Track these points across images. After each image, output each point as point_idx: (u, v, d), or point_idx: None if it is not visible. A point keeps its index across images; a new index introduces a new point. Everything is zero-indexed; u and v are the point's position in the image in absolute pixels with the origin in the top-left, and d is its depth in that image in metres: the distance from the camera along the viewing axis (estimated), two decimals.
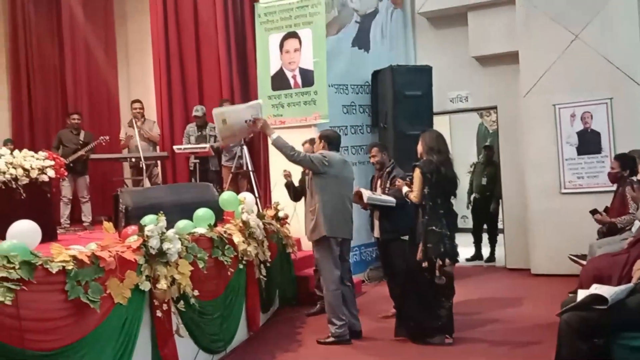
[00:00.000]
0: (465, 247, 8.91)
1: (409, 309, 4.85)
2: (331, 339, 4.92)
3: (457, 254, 4.76)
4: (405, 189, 4.82)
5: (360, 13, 7.66)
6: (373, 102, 7.63)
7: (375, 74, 7.56)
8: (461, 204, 10.83)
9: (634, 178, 5.36)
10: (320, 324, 5.35)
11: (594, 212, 5.84)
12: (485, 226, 8.80)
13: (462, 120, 11.02)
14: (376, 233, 5.53)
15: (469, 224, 9.37)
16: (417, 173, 4.66)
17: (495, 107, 8.19)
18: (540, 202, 7.25)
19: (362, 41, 7.68)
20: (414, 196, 4.67)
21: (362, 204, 5.37)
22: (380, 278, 6.69)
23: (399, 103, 7.19)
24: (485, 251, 8.73)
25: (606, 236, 5.67)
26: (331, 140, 5.12)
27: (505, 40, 7.60)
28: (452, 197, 4.86)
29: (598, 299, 3.20)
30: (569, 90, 7.13)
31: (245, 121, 5.24)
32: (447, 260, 4.61)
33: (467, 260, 8.62)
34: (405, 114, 7.16)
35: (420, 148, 4.81)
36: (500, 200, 8.34)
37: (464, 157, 10.89)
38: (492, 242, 8.70)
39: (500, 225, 8.70)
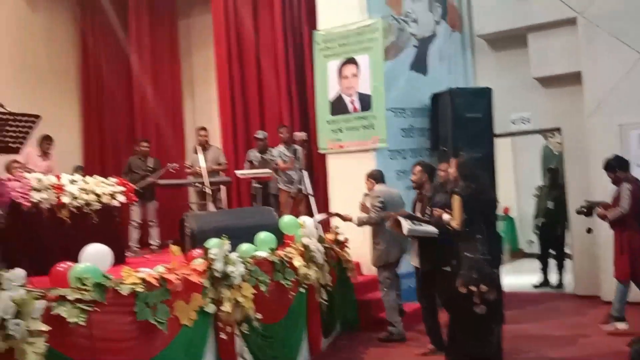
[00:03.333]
0: (532, 274, 8.69)
1: (457, 340, 4.71)
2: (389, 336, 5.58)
3: (496, 280, 4.60)
4: (446, 216, 4.73)
5: (418, 37, 7.68)
6: (432, 125, 7.58)
7: (435, 97, 7.53)
8: (527, 228, 10.63)
9: None
10: (383, 350, 5.30)
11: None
12: (552, 251, 8.52)
13: (526, 142, 10.80)
14: (415, 262, 5.42)
15: (535, 248, 9.10)
16: (456, 199, 4.58)
17: (559, 129, 7.99)
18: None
19: (420, 65, 7.69)
20: (455, 223, 4.59)
21: (398, 232, 5.25)
22: None
23: (459, 126, 7.12)
24: (553, 277, 8.45)
25: None
26: (376, 177, 5.97)
27: (567, 60, 7.44)
28: (493, 220, 4.74)
29: None
30: (636, 110, 6.88)
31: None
32: (483, 287, 4.46)
33: (535, 286, 8.36)
34: (466, 137, 7.06)
35: (453, 173, 4.73)
36: (567, 224, 8.07)
37: (529, 180, 10.64)
38: (560, 268, 8.41)
39: (568, 250, 8.41)
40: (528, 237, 11.04)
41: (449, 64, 8.03)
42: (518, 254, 11.43)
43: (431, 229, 5.08)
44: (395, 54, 7.39)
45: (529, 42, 7.73)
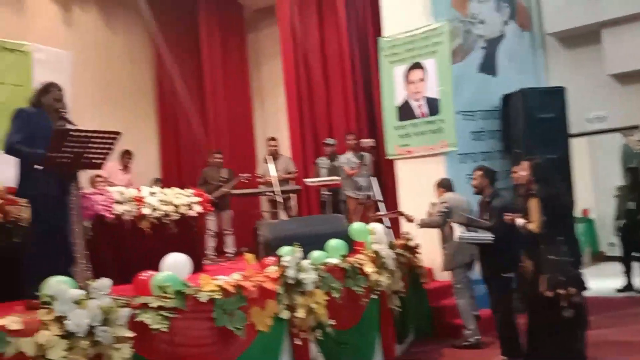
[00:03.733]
0: (614, 277, 8.31)
1: (540, 346, 4.57)
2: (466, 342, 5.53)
3: (582, 282, 4.47)
4: (520, 220, 4.61)
5: (485, 38, 7.56)
6: (504, 127, 7.43)
7: (505, 99, 7.38)
8: (608, 230, 10.17)
9: None
10: (458, 357, 5.24)
11: None
12: (635, 254, 8.12)
13: (603, 141, 10.35)
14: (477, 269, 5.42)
15: (617, 251, 8.71)
16: (534, 202, 4.46)
17: (637, 126, 7.63)
18: None
19: (489, 66, 7.55)
20: (534, 226, 4.46)
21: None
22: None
23: (532, 127, 6.95)
24: (637, 281, 8.04)
25: None
26: (445, 185, 6.06)
27: None
28: (570, 223, 4.62)
29: None
30: None
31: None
32: (571, 289, 4.32)
33: (618, 290, 7.99)
34: (539, 138, 6.89)
35: (525, 176, 4.62)
36: None
37: (607, 180, 10.18)
38: None
39: None
40: (609, 240, 10.56)
41: (519, 64, 7.84)
42: (599, 256, 10.98)
43: (485, 236, 5.00)
44: (463, 57, 7.30)
45: (602, 38, 7.45)
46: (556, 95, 7.14)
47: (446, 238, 5.80)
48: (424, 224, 5.92)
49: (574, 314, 4.33)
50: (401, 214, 6.26)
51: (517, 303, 5.08)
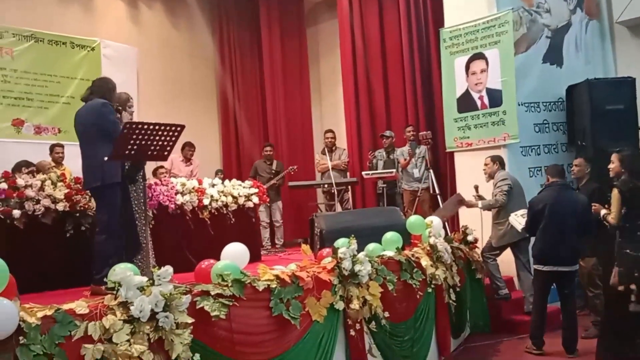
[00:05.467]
0: None
1: (608, 339, 4.45)
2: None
3: None
4: (603, 211, 4.53)
5: (551, 28, 7.32)
6: (569, 119, 7.20)
7: (570, 90, 7.14)
8: None
9: None
10: (515, 352, 5.17)
11: None
12: None
13: None
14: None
15: None
16: (615, 193, 4.34)
17: None
18: None
19: (554, 56, 7.32)
20: (611, 218, 4.36)
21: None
22: None
23: (599, 118, 6.70)
24: None
25: None
26: (501, 161, 6.19)
27: None
28: None
29: None
30: None
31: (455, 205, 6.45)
32: None
33: None
34: (606, 130, 6.63)
35: (616, 168, 4.50)
36: None
37: None
38: None
39: None
40: None
41: (587, 54, 7.57)
42: None
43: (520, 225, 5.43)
44: (527, 47, 7.12)
45: None
46: (625, 86, 6.84)
47: (499, 215, 5.97)
48: (486, 206, 5.98)
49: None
50: (462, 201, 6.25)
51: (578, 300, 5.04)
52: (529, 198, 5.66)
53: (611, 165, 4.60)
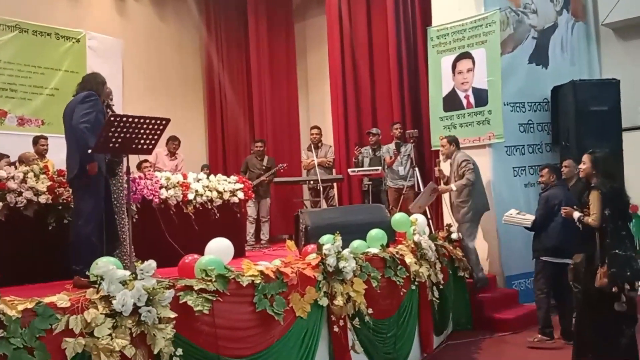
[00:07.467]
0: None
1: (586, 339, 4.49)
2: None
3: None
4: (576, 214, 4.53)
5: (537, 29, 7.37)
6: (553, 120, 7.26)
7: (556, 90, 7.20)
8: None
9: None
10: (497, 350, 5.20)
11: None
12: None
13: None
14: None
15: None
16: (595, 195, 4.34)
17: None
18: None
19: (539, 57, 7.37)
20: (592, 219, 4.36)
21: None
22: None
23: (583, 119, 6.76)
24: None
25: None
26: (457, 142, 6.51)
27: None
28: (629, 218, 4.55)
29: None
30: None
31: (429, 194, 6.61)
32: (637, 284, 4.24)
33: None
34: (590, 131, 6.70)
35: (587, 169, 4.51)
36: None
37: None
38: None
39: None
40: None
41: (572, 55, 7.64)
42: None
43: (527, 219, 5.58)
44: (513, 47, 7.16)
45: None
46: (610, 88, 6.91)
47: (460, 194, 6.26)
48: (461, 187, 6.23)
49: (625, 309, 4.24)
50: (436, 188, 6.53)
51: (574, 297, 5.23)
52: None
53: (582, 166, 4.55)
